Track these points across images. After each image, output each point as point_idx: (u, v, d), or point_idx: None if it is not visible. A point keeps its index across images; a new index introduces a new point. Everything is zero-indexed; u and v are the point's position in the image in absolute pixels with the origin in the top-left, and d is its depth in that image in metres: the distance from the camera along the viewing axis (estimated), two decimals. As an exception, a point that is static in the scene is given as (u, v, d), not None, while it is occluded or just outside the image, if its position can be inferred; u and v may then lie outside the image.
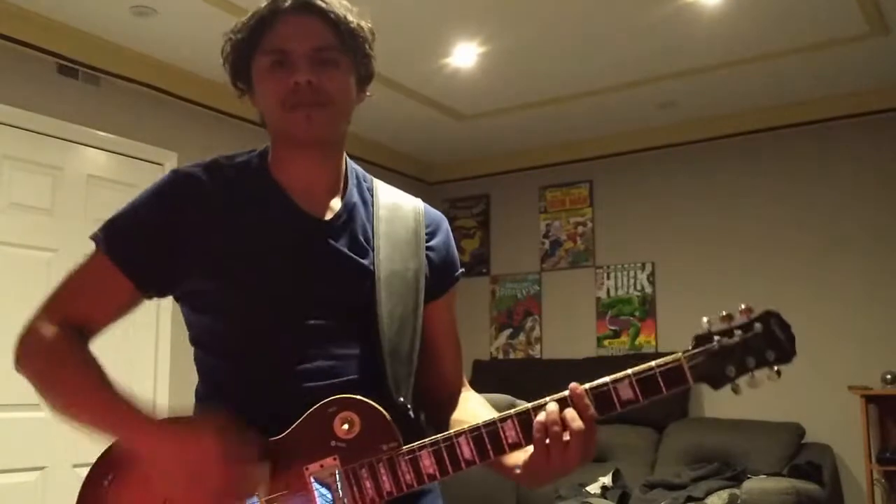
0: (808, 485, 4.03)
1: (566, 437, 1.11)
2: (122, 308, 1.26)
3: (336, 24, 1.24)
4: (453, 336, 1.42)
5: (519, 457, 1.17)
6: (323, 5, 1.24)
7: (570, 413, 1.12)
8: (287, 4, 1.23)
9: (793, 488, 3.86)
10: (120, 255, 1.23)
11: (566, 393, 1.15)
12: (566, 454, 1.11)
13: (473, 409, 1.34)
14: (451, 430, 1.17)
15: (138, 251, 1.23)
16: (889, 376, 4.39)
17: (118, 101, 4.12)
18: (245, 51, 1.26)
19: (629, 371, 1.13)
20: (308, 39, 1.23)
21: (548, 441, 1.12)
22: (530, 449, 1.14)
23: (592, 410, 1.12)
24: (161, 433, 1.13)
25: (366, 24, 1.28)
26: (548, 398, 1.15)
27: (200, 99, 4.44)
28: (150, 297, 1.26)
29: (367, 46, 1.28)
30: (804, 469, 4.19)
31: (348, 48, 1.26)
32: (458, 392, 1.39)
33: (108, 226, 1.26)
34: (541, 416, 1.13)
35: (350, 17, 1.26)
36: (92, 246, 1.26)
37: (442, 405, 1.35)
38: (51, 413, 1.20)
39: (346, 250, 1.27)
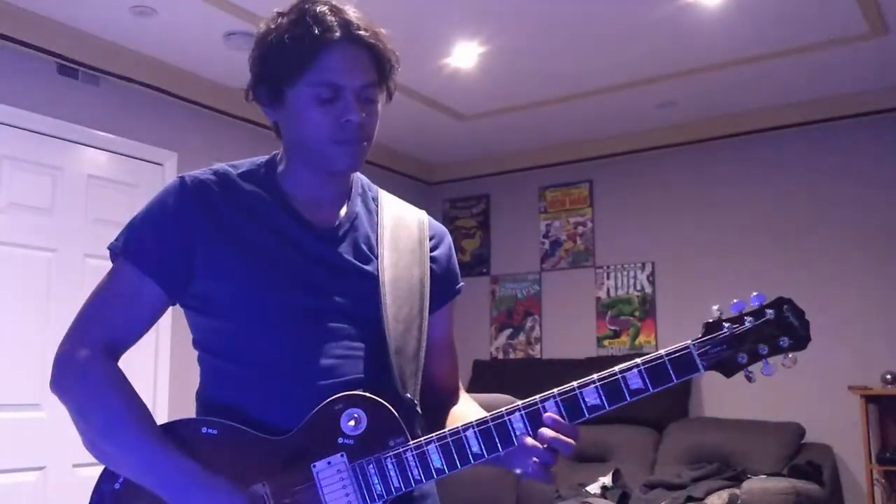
0: (808, 485, 4.03)
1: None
2: (153, 317, 1.27)
3: (380, 60, 1.25)
4: (450, 347, 1.44)
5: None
6: (373, 41, 1.24)
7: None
8: (339, 35, 1.21)
9: (793, 488, 3.86)
10: (146, 262, 1.24)
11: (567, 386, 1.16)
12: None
13: (462, 411, 1.35)
14: (458, 424, 1.18)
15: (162, 256, 1.24)
16: (889, 376, 4.39)
17: (118, 101, 4.11)
18: (287, 72, 1.22)
19: (638, 360, 1.14)
20: (358, 75, 1.23)
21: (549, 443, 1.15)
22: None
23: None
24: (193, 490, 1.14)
25: (395, 52, 1.28)
26: (555, 390, 1.17)
27: (200, 99, 4.44)
28: (174, 303, 1.27)
29: (394, 76, 1.29)
30: (804, 469, 4.19)
31: (384, 82, 1.28)
32: (451, 400, 1.41)
33: (126, 236, 1.27)
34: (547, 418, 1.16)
35: (389, 53, 1.26)
36: (107, 255, 1.27)
37: (432, 410, 1.35)
38: (83, 443, 1.20)
39: (348, 257, 1.29)
